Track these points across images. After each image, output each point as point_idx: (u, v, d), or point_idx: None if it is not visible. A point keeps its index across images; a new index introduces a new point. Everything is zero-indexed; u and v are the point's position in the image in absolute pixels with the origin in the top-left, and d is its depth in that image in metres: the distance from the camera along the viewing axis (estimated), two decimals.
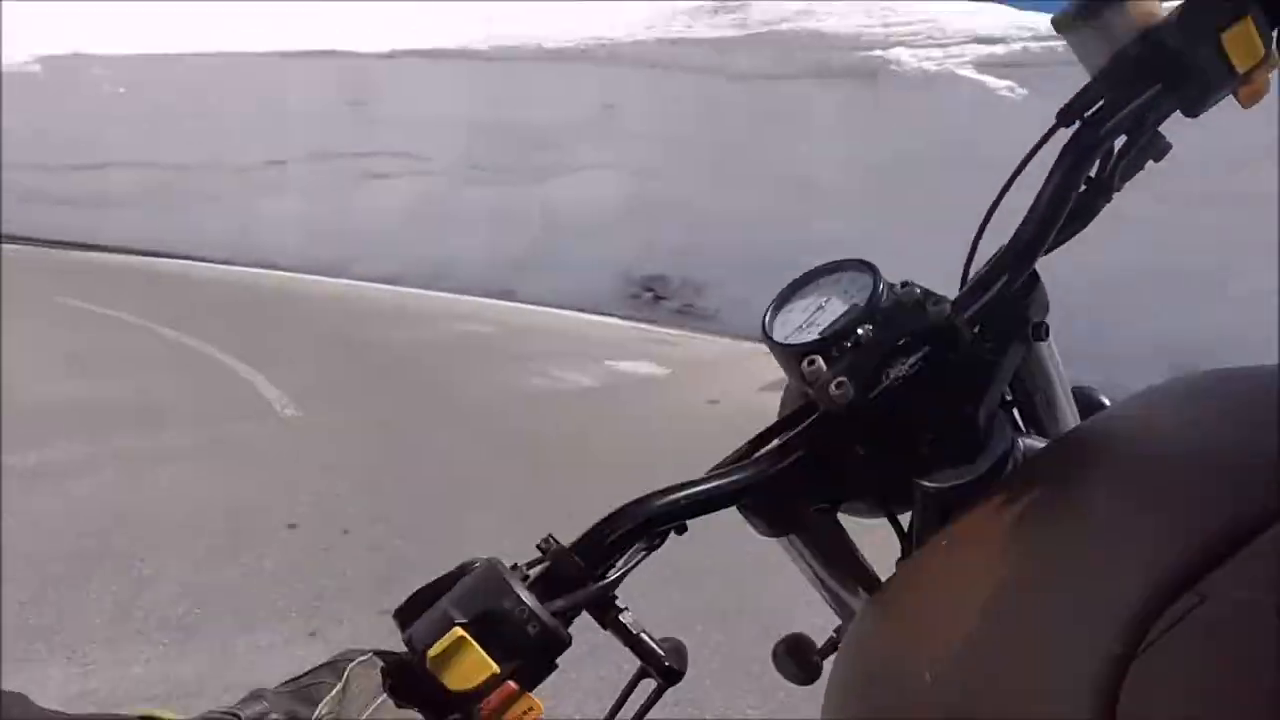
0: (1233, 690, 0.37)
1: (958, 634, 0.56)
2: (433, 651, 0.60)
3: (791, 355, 0.75)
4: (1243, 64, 0.76)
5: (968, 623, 0.56)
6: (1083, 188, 0.82)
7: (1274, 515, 0.43)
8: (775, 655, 0.91)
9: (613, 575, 0.68)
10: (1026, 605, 0.53)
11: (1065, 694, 0.44)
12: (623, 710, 0.69)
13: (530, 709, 0.62)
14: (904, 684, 0.58)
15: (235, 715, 0.59)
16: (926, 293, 0.75)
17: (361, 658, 0.67)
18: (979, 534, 0.64)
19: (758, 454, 0.75)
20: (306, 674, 0.66)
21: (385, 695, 0.61)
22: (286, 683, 0.65)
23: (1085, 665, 0.44)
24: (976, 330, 0.75)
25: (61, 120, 17.27)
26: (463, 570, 0.66)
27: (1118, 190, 0.85)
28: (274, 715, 0.60)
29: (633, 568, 0.69)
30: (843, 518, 0.83)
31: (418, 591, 0.65)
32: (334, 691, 0.63)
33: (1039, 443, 0.78)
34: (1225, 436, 0.56)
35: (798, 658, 0.90)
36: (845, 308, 0.77)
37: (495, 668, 0.60)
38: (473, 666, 0.60)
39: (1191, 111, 0.81)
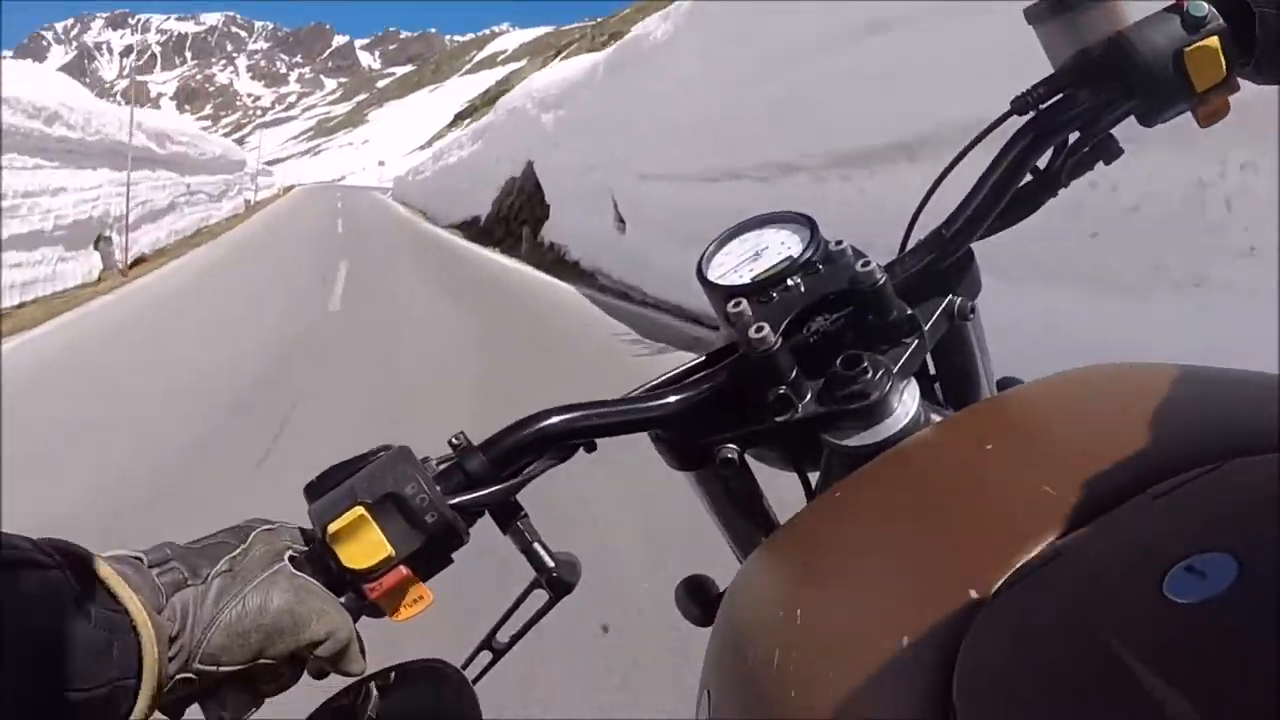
0: (1068, 641, 0.41)
1: (833, 579, 0.62)
2: (333, 527, 0.66)
3: (720, 295, 0.82)
4: (1202, 83, 0.80)
5: (843, 569, 0.62)
6: (1029, 178, 0.87)
7: (1136, 490, 0.48)
8: (677, 596, 0.93)
9: (516, 480, 0.74)
10: (898, 553, 0.59)
11: (920, 634, 0.48)
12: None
13: (421, 597, 0.69)
14: (778, 627, 0.60)
15: (139, 558, 0.63)
16: (858, 254, 0.80)
17: (267, 526, 0.71)
18: (868, 489, 0.68)
19: (675, 386, 0.81)
20: (210, 535, 0.69)
21: (284, 563, 0.67)
22: (192, 542, 0.68)
23: (941, 607, 0.48)
24: (903, 299, 0.79)
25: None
26: (375, 454, 0.71)
27: (1064, 186, 0.89)
28: (175, 564, 0.64)
29: (535, 475, 0.76)
30: (757, 467, 0.87)
31: (329, 469, 0.71)
32: (235, 552, 0.67)
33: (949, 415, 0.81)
34: (1106, 420, 0.62)
35: (698, 599, 0.92)
36: (779, 257, 0.84)
37: (390, 550, 0.66)
38: (369, 546, 0.66)
39: (1146, 121, 0.85)
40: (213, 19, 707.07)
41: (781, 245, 0.85)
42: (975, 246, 0.86)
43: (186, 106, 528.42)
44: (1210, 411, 0.57)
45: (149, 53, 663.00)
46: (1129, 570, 0.42)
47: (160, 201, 22.23)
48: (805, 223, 0.86)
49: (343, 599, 0.68)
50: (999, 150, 0.85)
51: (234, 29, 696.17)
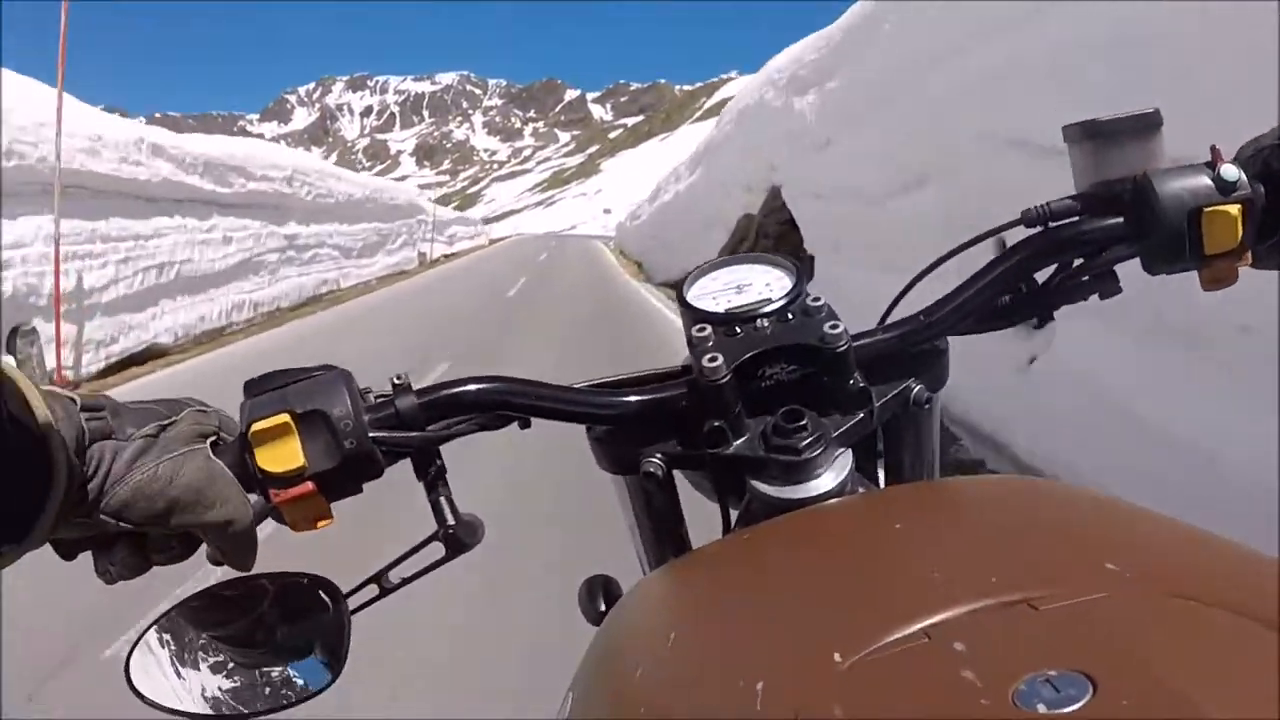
0: None
1: (714, 614, 0.65)
2: (256, 426, 0.69)
3: (690, 317, 0.85)
4: (1212, 247, 0.79)
5: (727, 606, 0.65)
6: (1023, 290, 0.88)
7: (1021, 598, 0.49)
8: (579, 593, 0.99)
9: (441, 433, 0.77)
10: (780, 605, 0.60)
11: (774, 685, 0.49)
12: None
13: (321, 515, 0.72)
14: (649, 647, 0.63)
15: (74, 399, 0.66)
16: (832, 315, 0.81)
17: (201, 408, 0.74)
18: (774, 540, 0.70)
19: (625, 389, 0.83)
20: (148, 400, 0.73)
21: (205, 445, 0.70)
22: (130, 402, 0.71)
23: (801, 664, 0.50)
24: (866, 371, 0.81)
25: None
26: (318, 370, 0.74)
27: (1054, 308, 0.88)
28: (105, 415, 0.67)
29: (462, 435, 0.78)
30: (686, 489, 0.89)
31: (274, 372, 0.74)
32: (165, 421, 0.70)
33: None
34: (1016, 527, 0.64)
35: (598, 601, 0.97)
36: (758, 297, 0.86)
37: (304, 462, 0.69)
38: (285, 454, 0.69)
39: (1150, 268, 0.84)
40: (448, 78, 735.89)
41: (765, 286, 0.87)
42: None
43: (425, 162, 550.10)
44: (1117, 542, 0.58)
45: (388, 112, 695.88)
46: (986, 669, 0.44)
47: (210, 263, 14.76)
48: (794, 271, 0.87)
49: (250, 496, 0.70)
50: (999, 254, 0.85)
51: (469, 87, 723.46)
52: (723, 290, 0.87)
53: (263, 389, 0.72)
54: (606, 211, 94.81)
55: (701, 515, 0.92)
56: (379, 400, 0.76)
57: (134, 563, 0.70)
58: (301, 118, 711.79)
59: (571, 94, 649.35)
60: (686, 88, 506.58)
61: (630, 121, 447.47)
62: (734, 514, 0.85)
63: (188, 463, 0.68)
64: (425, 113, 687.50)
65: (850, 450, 0.79)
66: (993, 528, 0.65)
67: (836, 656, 0.48)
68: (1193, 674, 0.41)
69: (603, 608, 0.96)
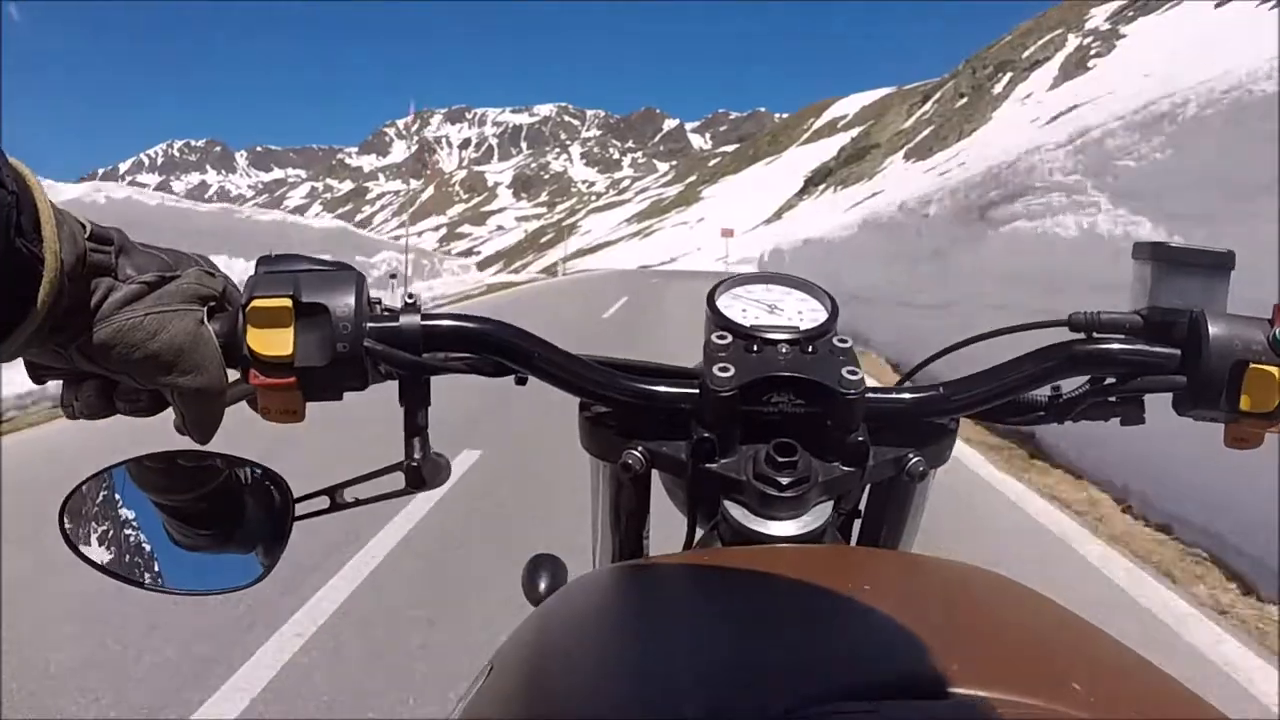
0: None
1: (647, 629, 0.63)
2: (256, 303, 0.66)
3: (715, 323, 0.82)
4: (1248, 404, 0.76)
5: (667, 623, 0.63)
6: (1046, 392, 0.84)
7: (978, 700, 0.48)
8: (523, 571, 1.00)
9: (435, 362, 0.74)
10: (724, 630, 0.59)
11: (703, 712, 0.48)
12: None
13: (293, 411, 0.69)
14: (575, 645, 0.63)
15: (83, 224, 0.64)
16: (853, 361, 0.77)
17: (209, 270, 0.71)
18: (727, 570, 0.67)
19: (632, 375, 0.80)
20: (159, 247, 0.70)
21: (201, 309, 0.68)
22: (141, 243, 0.69)
23: (735, 702, 0.49)
24: (871, 426, 0.77)
25: None
26: (334, 265, 0.71)
27: (1072, 420, 0.85)
28: (111, 251, 0.65)
29: (455, 371, 0.76)
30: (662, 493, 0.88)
31: (293, 255, 0.71)
32: (167, 272, 0.67)
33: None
34: (976, 618, 0.62)
35: (539, 581, 0.97)
36: (787, 322, 0.83)
37: (290, 352, 0.67)
38: (276, 339, 0.67)
39: (1180, 408, 0.81)
40: (546, 110, 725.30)
41: (798, 313, 0.85)
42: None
43: (523, 194, 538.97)
44: (1081, 662, 0.56)
45: (486, 144, 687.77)
46: None
47: None
48: (830, 306, 0.86)
49: (230, 373, 0.69)
50: (1034, 350, 0.82)
51: (566, 118, 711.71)
52: (753, 305, 0.86)
53: (276, 267, 0.70)
54: (728, 234, 74.19)
55: (668, 526, 0.90)
56: (385, 313, 0.73)
57: (98, 405, 0.68)
58: (400, 150, 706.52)
59: (670, 123, 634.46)
60: (787, 115, 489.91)
61: (730, 149, 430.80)
62: (699, 533, 0.82)
63: (176, 321, 0.66)
64: (523, 144, 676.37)
65: (832, 503, 0.77)
66: (963, 618, 0.62)
67: (776, 703, 0.47)
68: None
69: (543, 588, 0.97)
